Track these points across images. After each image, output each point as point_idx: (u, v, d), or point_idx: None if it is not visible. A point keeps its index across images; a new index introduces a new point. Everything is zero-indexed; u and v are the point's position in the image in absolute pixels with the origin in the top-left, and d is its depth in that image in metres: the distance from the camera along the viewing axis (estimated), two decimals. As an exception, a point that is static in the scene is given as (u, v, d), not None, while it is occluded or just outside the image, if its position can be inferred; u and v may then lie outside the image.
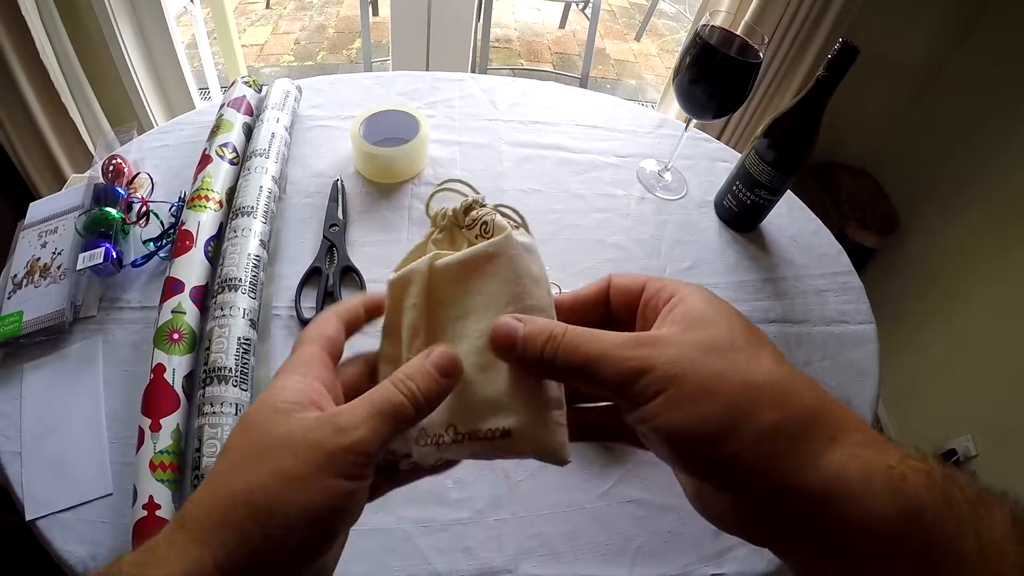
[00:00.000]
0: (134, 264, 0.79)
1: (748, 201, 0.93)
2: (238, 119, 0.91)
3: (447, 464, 0.35)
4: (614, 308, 0.36)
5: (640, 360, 0.29)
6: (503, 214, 0.35)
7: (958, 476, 0.26)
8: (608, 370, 0.29)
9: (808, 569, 0.28)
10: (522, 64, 3.25)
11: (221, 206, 0.81)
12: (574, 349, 0.30)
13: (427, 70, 1.93)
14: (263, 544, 0.26)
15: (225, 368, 0.64)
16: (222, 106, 0.94)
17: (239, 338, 0.67)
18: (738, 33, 0.86)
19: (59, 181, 1.61)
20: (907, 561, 0.25)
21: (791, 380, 0.29)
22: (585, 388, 0.31)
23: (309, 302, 0.79)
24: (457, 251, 0.35)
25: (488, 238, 0.34)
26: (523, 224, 0.36)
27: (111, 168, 0.87)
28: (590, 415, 0.37)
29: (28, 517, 0.62)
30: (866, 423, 0.28)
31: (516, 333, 0.31)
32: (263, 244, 0.78)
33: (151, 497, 0.58)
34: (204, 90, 2.28)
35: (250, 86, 0.98)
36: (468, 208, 0.35)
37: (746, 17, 1.24)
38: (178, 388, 0.65)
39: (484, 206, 0.35)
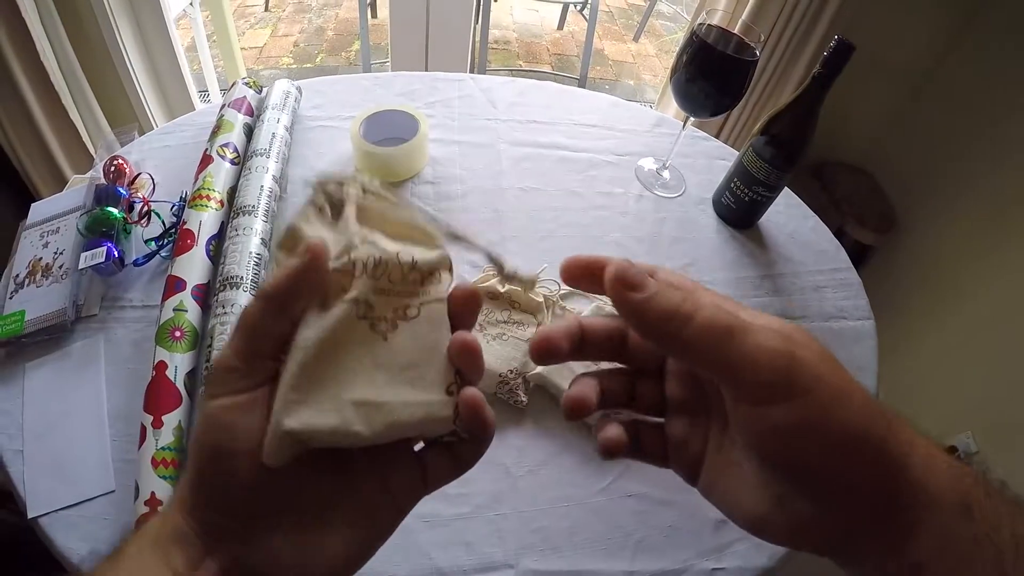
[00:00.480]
0: (136, 263, 0.79)
1: (746, 198, 0.93)
2: (239, 119, 0.92)
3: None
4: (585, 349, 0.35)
5: (789, 349, 0.28)
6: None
7: (992, 481, 0.29)
8: (755, 350, 0.28)
9: (870, 562, 0.29)
10: (520, 65, 3.25)
11: (222, 205, 0.82)
12: (711, 318, 0.28)
13: (426, 71, 1.94)
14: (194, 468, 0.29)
15: (227, 365, 0.65)
16: (223, 107, 0.94)
17: (240, 335, 0.67)
18: (735, 32, 0.86)
19: (59, 182, 1.62)
20: (957, 552, 0.27)
21: (872, 396, 0.29)
22: (709, 364, 0.29)
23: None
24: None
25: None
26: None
27: (112, 168, 0.88)
28: (641, 432, 0.36)
29: (30, 515, 0.62)
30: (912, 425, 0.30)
31: (648, 289, 0.29)
32: (264, 243, 0.78)
33: (153, 493, 0.59)
34: (204, 92, 2.28)
35: (250, 87, 0.98)
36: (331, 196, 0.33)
37: (743, 16, 1.25)
38: (180, 385, 0.65)
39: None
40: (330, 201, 0.33)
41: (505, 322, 0.77)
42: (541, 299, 0.78)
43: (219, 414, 0.29)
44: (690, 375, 0.35)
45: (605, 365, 0.37)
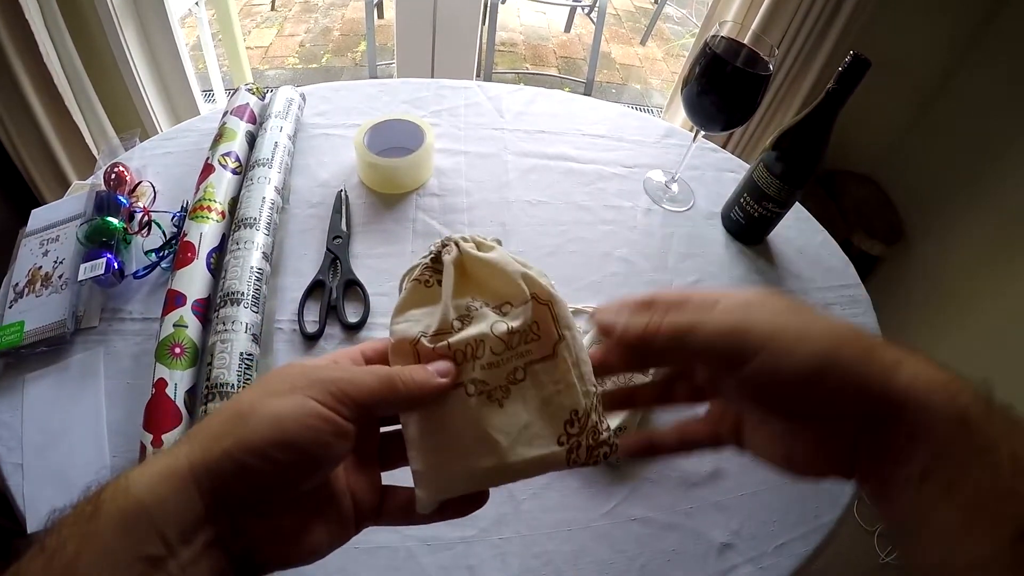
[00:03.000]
0: (136, 275, 0.78)
1: (756, 214, 0.92)
2: (241, 127, 0.91)
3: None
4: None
5: (739, 320, 0.34)
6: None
7: (995, 400, 0.30)
8: (710, 333, 0.34)
9: (879, 475, 0.33)
10: (527, 68, 3.24)
11: (223, 217, 0.81)
12: (674, 323, 0.35)
13: (432, 73, 1.93)
14: (234, 445, 0.29)
15: (227, 384, 0.64)
16: (225, 114, 0.93)
17: (241, 353, 0.67)
18: (745, 43, 0.85)
19: (63, 186, 1.61)
20: (955, 461, 0.29)
21: (851, 325, 0.34)
22: (683, 359, 0.37)
23: (312, 316, 0.78)
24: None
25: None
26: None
27: (113, 176, 0.87)
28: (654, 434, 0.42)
29: (30, 529, 0.61)
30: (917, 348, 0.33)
31: (618, 319, 0.37)
32: (266, 257, 0.77)
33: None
34: (208, 92, 2.27)
35: (253, 93, 0.97)
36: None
37: (753, 26, 1.24)
38: (180, 403, 0.64)
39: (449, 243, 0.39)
40: (435, 262, 0.39)
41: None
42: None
43: (327, 421, 0.31)
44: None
45: (637, 378, 0.45)
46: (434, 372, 0.35)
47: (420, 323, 0.37)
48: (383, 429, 0.40)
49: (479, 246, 0.39)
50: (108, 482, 0.29)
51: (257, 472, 0.29)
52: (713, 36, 0.84)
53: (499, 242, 0.40)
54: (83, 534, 0.27)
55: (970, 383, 0.31)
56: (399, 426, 0.38)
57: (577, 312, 0.81)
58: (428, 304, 0.38)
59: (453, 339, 0.36)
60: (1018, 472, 0.28)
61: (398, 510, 0.37)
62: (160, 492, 0.28)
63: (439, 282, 0.38)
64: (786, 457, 0.36)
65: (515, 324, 0.37)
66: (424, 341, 0.36)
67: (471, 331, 0.36)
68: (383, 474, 0.39)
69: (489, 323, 0.36)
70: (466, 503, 0.37)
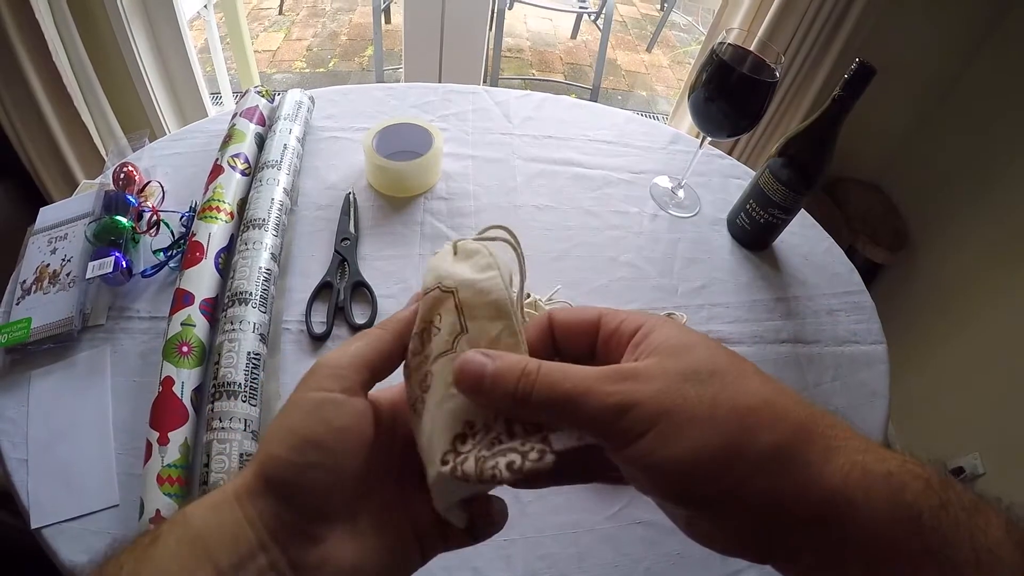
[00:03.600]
0: (144, 274, 0.79)
1: (761, 220, 0.92)
2: (250, 129, 0.91)
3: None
4: (560, 347, 0.34)
5: (624, 395, 0.27)
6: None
7: (955, 483, 0.26)
8: (591, 408, 0.27)
9: None
10: (533, 74, 3.25)
11: (232, 217, 0.81)
12: (551, 385, 0.28)
13: (439, 78, 1.94)
14: (260, 466, 0.30)
15: (234, 383, 0.64)
16: (234, 116, 0.94)
17: (249, 353, 0.67)
18: (751, 50, 0.85)
19: (71, 186, 1.62)
20: (905, 566, 0.25)
21: (780, 398, 0.28)
22: (561, 425, 0.29)
23: (320, 316, 0.79)
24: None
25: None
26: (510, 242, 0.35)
27: (122, 175, 0.87)
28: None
29: (33, 525, 0.61)
30: (853, 429, 0.28)
31: (484, 369, 0.29)
32: (274, 257, 0.77)
33: (158, 511, 0.58)
34: (216, 95, 2.29)
35: (263, 96, 0.98)
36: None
37: (759, 33, 1.24)
38: (186, 402, 0.65)
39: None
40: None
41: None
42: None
43: (328, 408, 0.31)
44: None
45: None
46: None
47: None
48: None
49: (456, 250, 0.35)
50: (172, 516, 0.30)
51: (285, 483, 0.29)
52: (720, 43, 0.84)
53: (508, 231, 0.35)
54: (139, 559, 0.27)
55: (923, 469, 0.26)
56: None
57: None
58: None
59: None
60: (979, 567, 0.24)
61: (463, 533, 0.34)
62: (211, 521, 0.29)
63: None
64: (697, 531, 0.31)
65: (419, 323, 0.34)
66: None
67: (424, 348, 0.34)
68: None
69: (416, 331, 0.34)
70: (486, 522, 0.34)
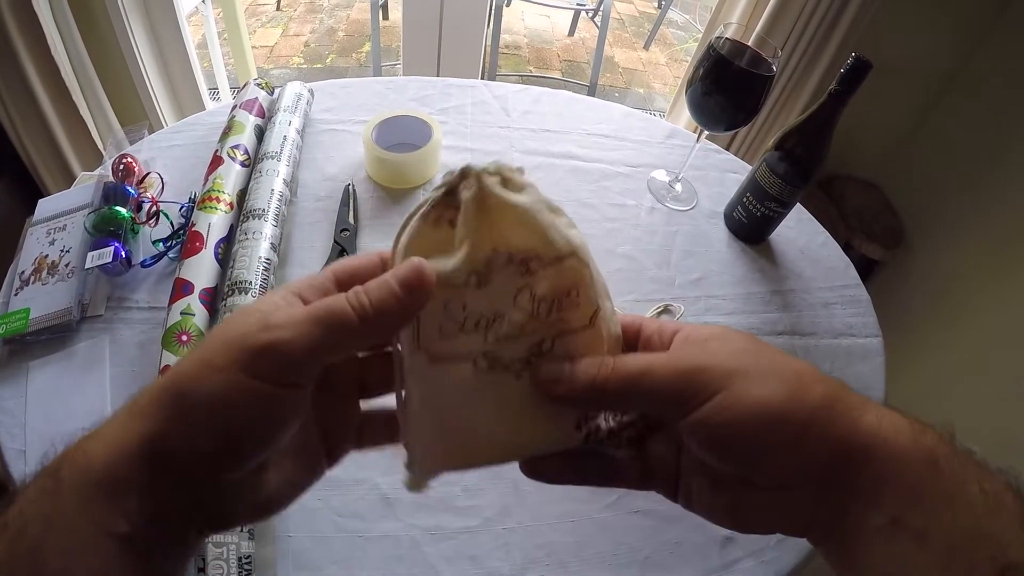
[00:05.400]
0: (143, 264, 0.79)
1: (758, 213, 0.93)
2: (250, 121, 0.91)
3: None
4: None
5: (696, 360, 0.31)
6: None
7: (959, 440, 0.30)
8: (663, 376, 0.31)
9: (841, 528, 0.30)
10: (531, 71, 3.25)
11: (232, 208, 0.81)
12: (625, 367, 0.31)
13: (437, 75, 1.94)
14: (179, 423, 0.28)
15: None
16: (234, 107, 0.94)
17: (248, 341, 0.67)
18: (750, 44, 0.86)
19: (68, 179, 1.61)
20: (926, 506, 0.28)
21: (812, 367, 0.32)
22: (637, 406, 0.34)
23: (318, 306, 0.79)
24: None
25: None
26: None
27: (121, 166, 0.87)
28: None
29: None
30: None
31: (563, 372, 0.32)
32: (274, 247, 0.77)
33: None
34: (214, 90, 2.28)
35: (262, 88, 0.98)
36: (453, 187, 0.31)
37: (757, 28, 1.24)
38: (186, 390, 0.65)
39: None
40: (448, 196, 0.31)
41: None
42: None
43: (273, 398, 0.28)
44: None
45: None
46: (395, 282, 0.29)
47: None
48: (361, 354, 0.36)
49: (506, 182, 0.30)
50: (65, 453, 0.28)
51: (200, 455, 0.28)
52: (718, 37, 0.84)
53: (522, 172, 0.32)
54: (46, 515, 0.26)
55: (933, 426, 0.30)
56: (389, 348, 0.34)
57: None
58: (436, 252, 0.30)
59: (467, 314, 0.30)
60: (991, 511, 0.27)
61: (379, 435, 0.36)
62: (116, 470, 0.27)
63: (451, 222, 0.31)
64: (729, 508, 0.33)
65: (543, 288, 0.30)
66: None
67: (488, 295, 0.30)
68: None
69: (513, 287, 0.30)
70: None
